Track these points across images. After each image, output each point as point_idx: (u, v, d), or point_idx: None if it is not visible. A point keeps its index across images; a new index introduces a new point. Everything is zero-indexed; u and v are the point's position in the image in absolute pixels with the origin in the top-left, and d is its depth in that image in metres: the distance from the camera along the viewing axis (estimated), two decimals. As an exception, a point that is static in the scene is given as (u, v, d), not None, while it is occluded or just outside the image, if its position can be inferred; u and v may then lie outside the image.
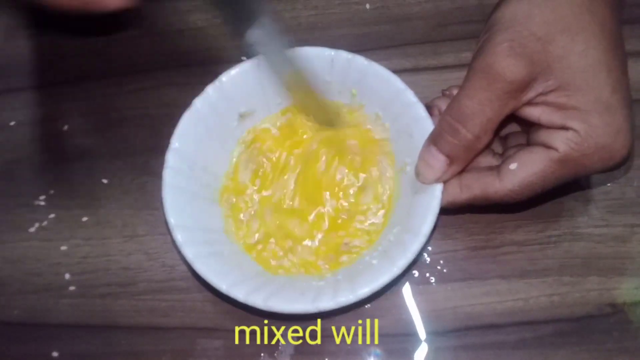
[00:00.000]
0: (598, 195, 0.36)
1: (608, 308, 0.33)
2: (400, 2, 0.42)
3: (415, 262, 0.31)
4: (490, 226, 0.35)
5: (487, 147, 0.32)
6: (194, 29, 0.42)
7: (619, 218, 0.35)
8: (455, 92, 0.31)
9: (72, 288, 0.36)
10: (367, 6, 0.42)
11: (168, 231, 0.32)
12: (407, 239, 0.31)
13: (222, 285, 0.31)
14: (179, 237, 0.32)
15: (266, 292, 0.31)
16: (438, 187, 0.32)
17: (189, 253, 0.32)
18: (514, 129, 0.35)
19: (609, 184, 0.36)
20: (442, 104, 0.33)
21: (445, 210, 0.33)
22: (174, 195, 0.33)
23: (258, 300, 0.30)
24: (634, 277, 0.34)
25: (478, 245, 0.35)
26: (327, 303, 0.30)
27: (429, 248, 0.35)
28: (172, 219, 0.32)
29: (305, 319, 0.34)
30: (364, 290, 0.30)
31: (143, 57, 0.42)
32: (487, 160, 0.33)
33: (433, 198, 0.32)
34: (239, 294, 0.31)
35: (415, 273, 0.35)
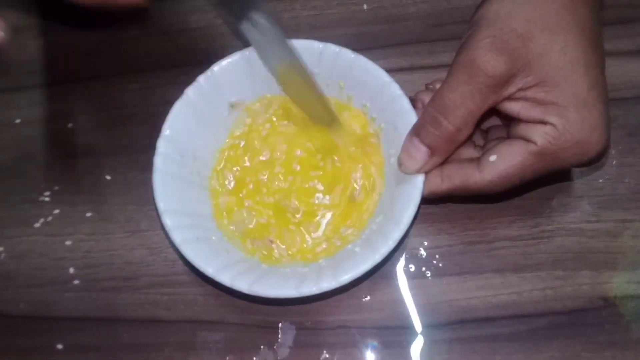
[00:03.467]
0: (590, 191, 0.36)
1: (600, 301, 0.34)
2: (397, 2, 0.42)
3: (396, 250, 0.32)
4: (485, 222, 0.36)
5: (469, 139, 0.33)
6: (194, 28, 0.43)
7: (611, 213, 0.36)
8: (438, 85, 0.32)
9: (76, 282, 0.36)
10: (365, 6, 0.43)
11: (158, 216, 0.33)
12: (388, 228, 0.32)
13: (209, 269, 0.31)
14: (167, 221, 0.32)
15: (251, 277, 0.32)
16: (420, 178, 0.32)
17: (177, 237, 0.32)
18: (495, 123, 0.35)
19: (600, 180, 0.37)
20: (426, 97, 0.34)
21: (427, 200, 0.33)
22: (164, 181, 0.34)
23: (243, 285, 0.31)
24: (625, 271, 0.34)
25: (473, 240, 0.36)
26: (310, 288, 0.31)
27: (425, 243, 0.36)
28: (161, 204, 0.33)
29: (302, 304, 0.34)
30: (346, 277, 0.31)
31: (145, 57, 0.42)
32: (468, 152, 0.33)
33: (415, 188, 0.32)
34: (225, 279, 0.31)
35: (412, 267, 0.35)
